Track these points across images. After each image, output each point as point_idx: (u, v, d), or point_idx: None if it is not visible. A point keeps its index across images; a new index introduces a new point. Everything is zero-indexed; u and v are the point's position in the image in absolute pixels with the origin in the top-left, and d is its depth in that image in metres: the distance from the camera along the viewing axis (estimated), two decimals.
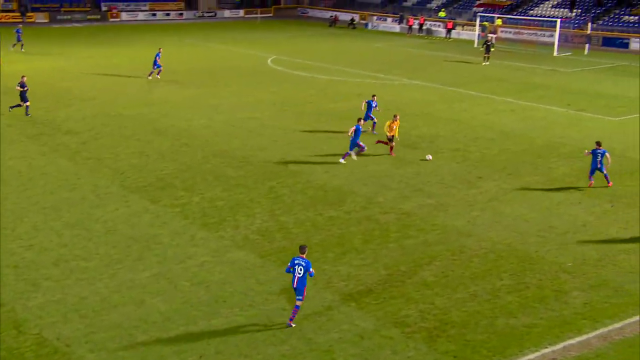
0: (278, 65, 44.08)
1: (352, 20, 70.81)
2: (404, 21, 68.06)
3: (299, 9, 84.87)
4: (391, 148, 23.62)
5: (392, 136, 23.45)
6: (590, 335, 12.47)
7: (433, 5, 73.45)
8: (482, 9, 65.42)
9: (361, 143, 23.00)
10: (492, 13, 62.41)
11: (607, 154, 20.51)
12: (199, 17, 77.58)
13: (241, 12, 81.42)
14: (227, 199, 19.30)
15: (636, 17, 56.12)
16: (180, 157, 23.09)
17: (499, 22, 60.33)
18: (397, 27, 68.44)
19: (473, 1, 70.09)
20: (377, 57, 49.15)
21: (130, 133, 26.09)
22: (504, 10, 65.13)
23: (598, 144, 20.85)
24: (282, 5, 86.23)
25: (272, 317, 13.09)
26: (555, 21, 51.27)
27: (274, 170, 22.00)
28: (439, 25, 65.98)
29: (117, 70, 40.05)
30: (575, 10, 60.60)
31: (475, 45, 55.53)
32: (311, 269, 12.63)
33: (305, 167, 22.42)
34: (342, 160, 22.62)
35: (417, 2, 75.30)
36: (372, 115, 26.27)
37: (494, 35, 52.26)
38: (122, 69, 40.51)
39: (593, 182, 20.55)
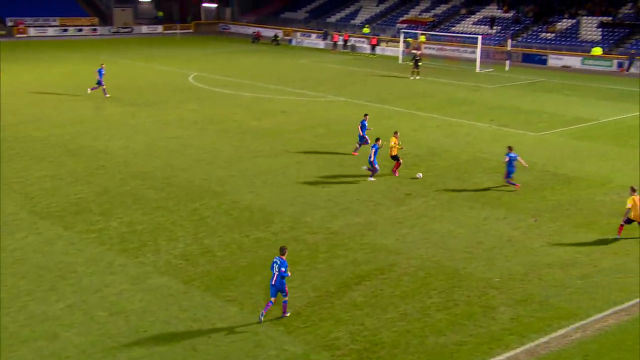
0: (200, 82, 43.68)
1: (276, 36, 71.19)
2: (329, 37, 69.03)
3: (220, 24, 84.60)
4: (397, 166, 23.66)
5: (397, 155, 23.56)
6: (518, 350, 12.84)
7: (357, 21, 74.95)
8: (405, 25, 67.28)
9: (376, 165, 23.05)
10: (416, 30, 64.27)
11: (519, 157, 21.92)
12: (114, 32, 75.96)
13: (160, 28, 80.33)
14: (147, 223, 18.82)
15: (553, 34, 59.19)
16: (96, 180, 22.38)
17: (422, 38, 62.18)
18: (321, 44, 69.31)
19: (396, 18, 72.03)
20: (302, 73, 49.54)
21: (42, 155, 25.09)
22: (427, 27, 67.23)
23: (509, 148, 22.10)
24: (202, 21, 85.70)
25: (196, 346, 12.79)
26: (477, 38, 53.31)
27: (196, 191, 21.66)
28: (363, 42, 67.28)
29: (25, 89, 38.51)
30: (495, 28, 63.28)
31: (400, 61, 56.95)
32: (283, 269, 13.57)
33: (230, 187, 22.21)
34: (371, 179, 23.01)
35: (341, 18, 76.66)
36: (366, 136, 26.27)
37: (419, 52, 53.78)
38: (31, 87, 38.98)
39: (519, 185, 21.87)
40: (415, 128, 31.56)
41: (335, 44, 66.37)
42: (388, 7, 75.68)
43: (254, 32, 73.85)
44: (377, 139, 23.46)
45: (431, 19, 68.04)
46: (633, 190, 18.16)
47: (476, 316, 14.08)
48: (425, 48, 62.43)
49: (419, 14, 70.84)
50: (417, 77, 46.99)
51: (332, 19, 77.21)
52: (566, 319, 13.91)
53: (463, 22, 66.56)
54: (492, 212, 20.21)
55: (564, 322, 13.79)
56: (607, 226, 19.01)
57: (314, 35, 72.35)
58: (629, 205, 17.93)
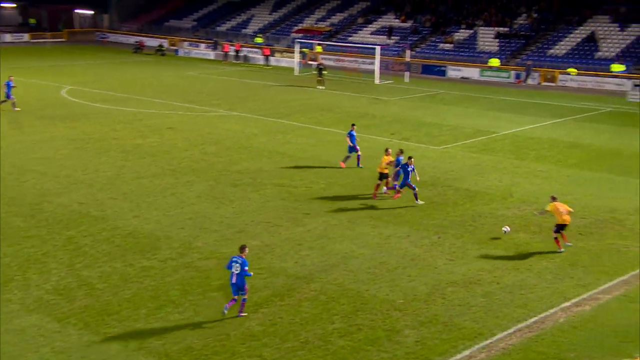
0: (74, 96, 42.20)
1: (161, 46, 70.14)
2: (219, 47, 68.81)
3: (97, 33, 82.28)
4: (379, 186, 23.80)
5: (386, 173, 23.69)
6: None
7: (249, 30, 75.21)
8: (300, 35, 68.20)
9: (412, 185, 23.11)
10: (311, 39, 65.30)
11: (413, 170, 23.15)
12: None
13: (26, 37, 77.01)
14: (14, 255, 17.86)
15: (451, 45, 61.97)
16: None
17: (319, 48, 63.27)
18: (211, 54, 68.97)
19: (291, 27, 72.92)
20: (191, 86, 49.03)
21: None
22: (323, 36, 68.49)
23: (400, 151, 23.90)
24: (76, 29, 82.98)
25: None
26: (375, 48, 54.88)
27: (73, 217, 20.83)
28: (256, 52, 67.59)
29: None
30: (393, 38, 65.44)
31: (296, 72, 57.61)
32: (246, 269, 14.78)
33: (111, 211, 21.52)
34: (418, 202, 22.94)
35: (232, 27, 76.66)
36: (357, 146, 27.04)
37: (315, 63, 54.69)
38: None
39: (398, 195, 23.05)
40: (313, 144, 31.95)
41: (226, 55, 66.25)
42: (282, 15, 76.51)
43: (137, 42, 72.40)
44: (410, 157, 23.33)
45: (328, 29, 69.39)
46: (553, 198, 19.58)
47: (380, 341, 14.34)
48: (322, 59, 63.45)
49: (315, 23, 72.09)
50: (323, 87, 48.49)
51: (222, 27, 77.08)
52: (471, 339, 14.44)
53: (360, 31, 68.36)
54: (395, 230, 20.73)
55: (468, 342, 14.30)
56: (510, 241, 19.98)
57: (202, 45, 71.88)
58: (548, 208, 19.30)
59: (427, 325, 14.98)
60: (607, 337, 14.49)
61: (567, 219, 19.14)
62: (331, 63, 62.43)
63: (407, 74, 55.21)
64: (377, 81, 53.17)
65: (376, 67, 54.09)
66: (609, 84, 50.64)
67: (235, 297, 14.93)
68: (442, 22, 65.85)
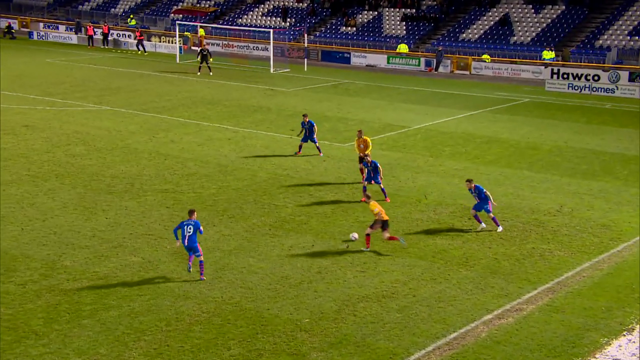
0: None
1: (10, 27, 67.51)
2: (82, 30, 66.92)
3: None
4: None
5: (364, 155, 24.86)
6: None
7: (119, 10, 73.57)
8: (180, 16, 67.42)
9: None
10: (194, 21, 64.67)
11: (378, 165, 24.16)
12: None
13: None
14: None
15: (354, 29, 63.06)
16: None
17: (202, 32, 62.78)
18: (74, 38, 67.05)
19: (169, 7, 71.91)
20: (50, 76, 47.45)
21: None
22: (207, 18, 68.01)
23: (362, 159, 25.05)
24: None
25: None
26: (269, 32, 55.05)
27: None
28: (129, 36, 66.26)
29: None
30: (289, 20, 65.85)
31: (177, 60, 56.89)
32: (201, 227, 18.13)
33: None
34: (483, 226, 21.95)
35: (98, 5, 74.74)
36: (314, 140, 29.22)
37: (198, 48, 54.20)
38: None
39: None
40: (201, 142, 31.66)
41: (91, 39, 64.53)
42: None
43: None
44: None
45: (212, 9, 68.99)
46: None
47: None
48: (207, 44, 63.00)
49: (197, 3, 71.48)
50: (211, 74, 49.38)
51: (86, 6, 75.07)
52: None
53: (251, 12, 68.39)
54: (298, 240, 20.84)
55: None
56: (425, 248, 20.52)
57: (62, 27, 69.75)
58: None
59: (337, 347, 15.16)
60: (532, 352, 15.14)
61: None
62: (218, 49, 62.09)
63: (305, 61, 55.69)
64: (272, 70, 53.33)
65: (270, 53, 54.26)
66: (526, 71, 52.99)
67: (192, 256, 18.06)
68: (343, 2, 66.79)
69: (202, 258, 18.08)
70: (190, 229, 17.93)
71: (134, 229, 21.21)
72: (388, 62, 57.84)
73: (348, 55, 59.34)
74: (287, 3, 68.14)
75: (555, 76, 49.98)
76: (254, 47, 62.09)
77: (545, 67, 51.16)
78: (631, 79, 47.81)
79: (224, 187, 25.58)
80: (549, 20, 57.67)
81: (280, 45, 59.08)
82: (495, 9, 60.55)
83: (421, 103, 42.61)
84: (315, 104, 41.57)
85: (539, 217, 23.33)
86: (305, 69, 54.55)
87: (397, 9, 63.69)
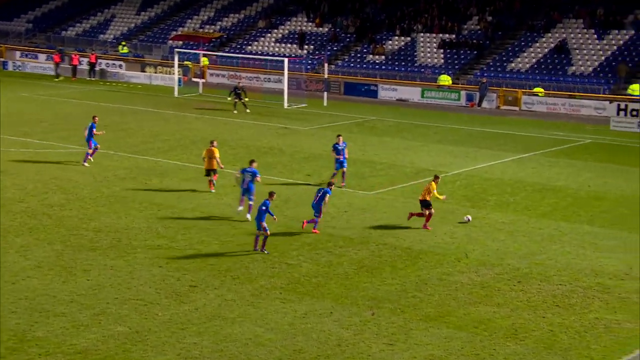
0: None
1: None
2: (66, 59, 67.99)
3: None
4: (428, 216, 27.44)
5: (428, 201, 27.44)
6: None
7: (109, 36, 74.73)
8: (180, 43, 68.34)
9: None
10: (196, 49, 65.50)
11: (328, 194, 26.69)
12: None
13: None
14: None
15: (382, 57, 63.59)
16: None
17: (205, 61, 63.60)
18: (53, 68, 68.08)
19: (167, 32, 72.95)
20: (27, 113, 48.27)
21: None
22: (211, 45, 68.93)
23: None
24: None
25: None
26: (283, 61, 55.58)
27: None
28: (120, 65, 67.25)
29: None
30: (306, 47, 66.56)
31: (176, 93, 57.51)
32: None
33: None
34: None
35: (85, 31, 75.93)
36: (343, 161, 32.50)
37: (239, 81, 54.87)
38: None
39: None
40: (201, 189, 31.80)
41: (75, 69, 65.51)
42: (153, 16, 76.61)
43: None
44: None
45: (217, 35, 69.94)
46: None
47: None
48: (211, 75, 63.74)
49: (200, 27, 72.58)
50: (248, 111, 50.94)
51: (71, 32, 76.29)
52: None
53: (262, 38, 69.25)
54: (313, 306, 20.75)
55: None
56: (466, 317, 20.37)
57: (43, 56, 70.84)
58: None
59: None
60: None
61: None
62: (224, 80, 62.79)
63: (325, 94, 56.09)
64: (286, 105, 53.70)
65: (285, 85, 54.68)
66: (587, 107, 53.05)
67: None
68: (369, 26, 67.57)
69: (260, 235, 24.29)
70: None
71: (120, 293, 21.19)
72: (422, 96, 58.22)
73: (375, 88, 59.77)
74: (304, 27, 68.97)
75: (622, 113, 50.03)
76: (265, 78, 62.74)
77: (611, 103, 51.15)
78: None
79: (227, 242, 25.58)
80: (615, 48, 57.91)
81: (296, 77, 59.55)
82: (550, 34, 60.90)
83: (461, 144, 42.68)
84: None
85: (603, 280, 23.13)
86: (325, 104, 54.89)
87: (434, 34, 64.26)
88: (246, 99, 51.48)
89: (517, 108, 55.03)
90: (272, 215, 24.50)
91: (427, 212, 27.42)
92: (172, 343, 18.44)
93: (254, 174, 27.40)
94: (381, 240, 26.22)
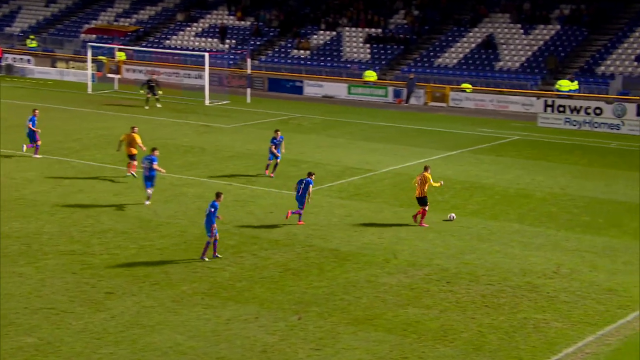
0: None
1: None
2: None
3: None
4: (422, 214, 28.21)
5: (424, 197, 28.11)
6: None
7: (15, 28, 73.27)
8: (94, 36, 67.36)
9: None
10: (111, 43, 64.65)
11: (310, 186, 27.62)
12: None
13: None
14: None
15: (307, 52, 63.68)
16: None
17: (120, 56, 62.79)
18: None
19: (79, 25, 71.81)
20: None
21: None
22: (126, 39, 68.12)
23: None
24: None
25: None
26: (203, 56, 55.22)
27: None
28: (28, 60, 66.05)
29: None
30: (228, 41, 66.28)
31: (89, 90, 56.71)
32: (213, 210, 24.18)
33: None
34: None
35: None
36: (278, 153, 34.10)
37: (154, 75, 54.42)
38: None
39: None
40: (118, 191, 31.49)
41: None
42: (65, 8, 75.41)
43: None
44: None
45: (133, 28, 69.28)
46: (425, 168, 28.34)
47: None
48: (127, 70, 62.98)
49: (115, 20, 71.76)
50: (159, 106, 50.84)
51: None
52: None
53: (181, 32, 68.77)
54: (237, 311, 20.68)
55: None
56: (394, 319, 20.51)
57: None
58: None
59: None
60: None
61: None
62: (141, 76, 62.06)
63: (249, 91, 55.94)
64: (207, 102, 53.44)
65: (206, 81, 54.39)
66: (515, 103, 53.92)
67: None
68: (293, 20, 67.64)
69: (211, 240, 23.97)
70: (147, 163, 27.11)
71: (30, 302, 20.81)
72: (349, 93, 58.44)
73: (300, 84, 59.82)
74: (225, 21, 68.68)
75: (549, 109, 50.91)
76: (185, 74, 62.23)
77: (538, 99, 52.15)
78: None
79: (146, 246, 25.34)
80: (541, 43, 59.05)
81: (217, 72, 59.29)
82: (477, 29, 61.80)
83: (389, 142, 42.98)
84: (261, 143, 41.58)
85: (532, 280, 23.55)
86: (249, 101, 54.76)
87: (360, 29, 64.64)
88: (160, 92, 51.19)
89: (445, 104, 55.66)
90: (218, 216, 24.45)
91: (422, 209, 28.27)
92: (87, 354, 18.19)
93: (151, 161, 28.96)
94: (308, 242, 26.25)
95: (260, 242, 25.99)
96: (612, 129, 47.47)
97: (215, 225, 24.05)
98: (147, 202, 29.47)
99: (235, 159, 37.84)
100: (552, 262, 24.94)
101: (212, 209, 24.02)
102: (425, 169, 28.76)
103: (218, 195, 24.59)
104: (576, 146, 43.25)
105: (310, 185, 27.78)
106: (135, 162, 32.46)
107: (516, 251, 25.98)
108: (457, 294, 22.21)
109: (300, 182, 27.98)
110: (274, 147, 34.06)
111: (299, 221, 27.80)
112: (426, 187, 28.09)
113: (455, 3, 64.73)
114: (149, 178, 29.41)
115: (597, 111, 49.29)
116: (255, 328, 19.78)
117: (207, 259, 24.03)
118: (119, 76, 59.76)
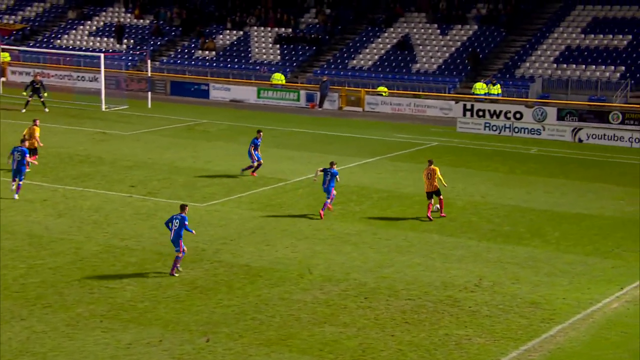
0: None
1: None
2: None
3: None
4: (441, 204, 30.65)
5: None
6: None
7: None
8: None
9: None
10: None
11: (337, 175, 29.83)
12: None
13: None
14: None
15: (213, 53, 63.42)
16: None
17: (5, 56, 61.51)
18: None
19: None
20: None
21: None
22: (11, 38, 66.82)
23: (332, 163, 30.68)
24: None
25: None
26: (99, 57, 54.51)
27: None
28: None
29: None
30: (125, 41, 65.57)
31: None
32: (186, 223, 23.90)
33: None
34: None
35: None
36: (256, 156, 35.87)
37: (33, 79, 53.40)
38: None
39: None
40: (4, 206, 30.92)
41: None
42: None
43: None
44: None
45: (19, 27, 68.23)
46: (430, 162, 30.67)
47: None
48: (13, 73, 61.76)
49: None
50: (46, 110, 50.49)
51: None
52: None
53: (74, 31, 67.92)
54: (140, 334, 20.43)
55: None
56: (309, 339, 20.51)
57: None
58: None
59: None
60: None
61: None
62: (28, 79, 60.76)
63: (149, 95, 55.40)
64: (103, 107, 52.77)
65: (102, 85, 53.71)
66: (433, 107, 54.55)
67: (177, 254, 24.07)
68: (197, 19, 67.33)
69: (179, 255, 23.97)
70: (177, 223, 24.00)
71: None
72: (259, 96, 58.46)
73: (206, 88, 59.57)
74: (122, 19, 68.01)
75: (468, 114, 51.73)
76: (79, 76, 61.36)
77: (456, 103, 52.87)
78: (560, 117, 49.98)
79: (36, 265, 24.88)
80: (459, 44, 59.94)
81: (114, 75, 58.61)
82: (392, 29, 62.43)
83: (302, 149, 43.11)
84: (163, 151, 41.30)
85: (453, 293, 23.84)
86: (150, 106, 54.27)
87: (269, 28, 64.77)
88: (45, 95, 50.46)
89: (360, 109, 56.03)
90: (191, 231, 24.64)
91: (439, 200, 30.86)
92: None
93: (23, 153, 30.64)
94: (216, 258, 26.09)
95: (164, 259, 25.70)
96: (532, 134, 48.44)
97: (182, 241, 24.26)
98: (16, 196, 30.93)
99: (135, 168, 37.37)
100: (473, 275, 25.30)
101: (185, 222, 24.14)
102: (430, 162, 31.10)
103: (183, 207, 24.66)
104: (497, 152, 44.06)
105: (337, 176, 30.28)
106: (33, 158, 34.12)
107: (437, 263, 26.27)
108: (375, 310, 22.34)
109: (326, 173, 30.25)
110: (252, 147, 35.94)
111: (329, 206, 30.56)
112: (435, 181, 30.56)
113: (369, 1, 65.24)
114: (19, 171, 30.94)
115: (517, 115, 50.39)
116: (160, 352, 19.57)
117: (176, 275, 24.31)
118: (3, 79, 58.56)
